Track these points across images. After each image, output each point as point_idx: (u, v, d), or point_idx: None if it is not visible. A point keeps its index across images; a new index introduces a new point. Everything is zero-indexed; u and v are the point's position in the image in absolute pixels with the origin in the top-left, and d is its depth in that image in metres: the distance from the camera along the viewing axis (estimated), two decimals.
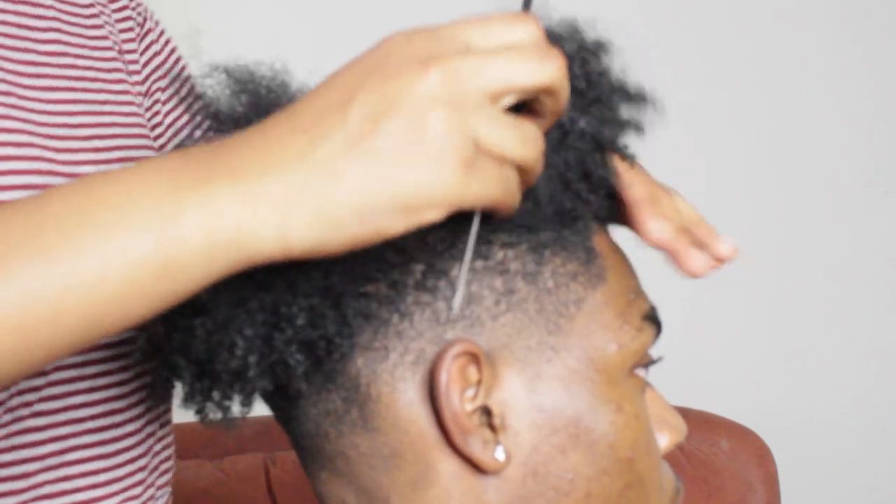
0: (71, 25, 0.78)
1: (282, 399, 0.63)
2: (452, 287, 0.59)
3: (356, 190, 0.51)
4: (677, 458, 1.58)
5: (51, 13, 0.76)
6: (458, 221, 0.58)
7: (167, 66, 0.87)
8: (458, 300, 0.58)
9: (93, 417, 0.74)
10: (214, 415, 0.62)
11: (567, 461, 0.60)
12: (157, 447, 0.81)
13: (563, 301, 0.61)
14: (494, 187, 0.53)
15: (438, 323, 0.59)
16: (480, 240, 0.60)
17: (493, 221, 0.60)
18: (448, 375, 0.58)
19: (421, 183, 0.51)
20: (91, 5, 0.81)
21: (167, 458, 0.83)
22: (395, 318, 0.59)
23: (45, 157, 0.71)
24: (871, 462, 2.02)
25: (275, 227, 0.51)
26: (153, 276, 0.51)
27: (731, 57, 1.97)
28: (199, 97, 0.83)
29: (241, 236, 0.51)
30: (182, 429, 1.59)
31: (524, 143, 0.53)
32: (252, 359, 0.57)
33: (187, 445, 1.57)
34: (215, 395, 0.61)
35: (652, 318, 0.63)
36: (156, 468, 0.81)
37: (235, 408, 0.62)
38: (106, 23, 0.81)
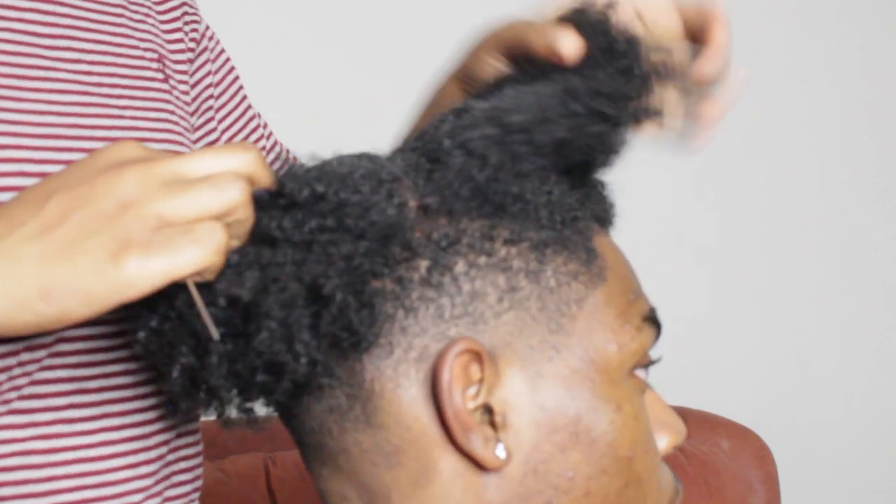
0: (89, 32, 0.81)
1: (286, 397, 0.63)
2: (457, 283, 0.59)
3: (36, 273, 0.57)
4: (677, 458, 1.58)
5: (65, 21, 0.79)
6: (458, 220, 0.59)
7: (223, 86, 0.91)
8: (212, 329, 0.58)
9: (83, 419, 0.75)
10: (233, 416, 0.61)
11: (567, 460, 0.60)
12: (171, 457, 0.81)
13: (565, 300, 0.61)
14: (188, 255, 0.56)
15: (442, 319, 0.59)
16: (482, 237, 0.60)
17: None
18: (451, 373, 0.58)
19: (85, 275, 0.56)
20: (119, 15, 0.83)
21: (184, 470, 0.83)
22: (400, 313, 0.59)
23: (29, 159, 0.73)
24: (871, 462, 2.02)
25: None
26: None
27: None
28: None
29: None
30: None
31: (218, 191, 0.57)
32: (304, 360, 0.58)
33: None
34: (236, 401, 0.61)
35: (652, 320, 0.64)
36: (166, 478, 0.81)
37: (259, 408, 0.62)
38: (142, 29, 0.84)
